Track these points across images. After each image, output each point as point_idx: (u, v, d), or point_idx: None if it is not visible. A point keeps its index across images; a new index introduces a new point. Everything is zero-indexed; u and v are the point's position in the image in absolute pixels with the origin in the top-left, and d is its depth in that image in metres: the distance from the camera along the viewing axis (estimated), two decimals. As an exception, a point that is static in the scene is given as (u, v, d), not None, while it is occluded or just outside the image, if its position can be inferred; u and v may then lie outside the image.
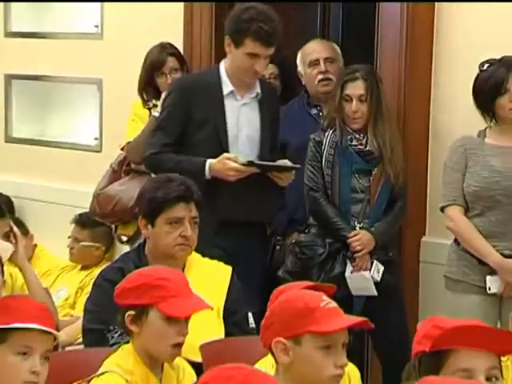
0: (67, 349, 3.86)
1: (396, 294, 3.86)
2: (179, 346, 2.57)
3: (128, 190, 4.32)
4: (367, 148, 3.81)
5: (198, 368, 2.71)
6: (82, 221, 4.67)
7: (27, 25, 5.36)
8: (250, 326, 3.20)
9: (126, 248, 4.25)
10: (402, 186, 3.84)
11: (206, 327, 3.01)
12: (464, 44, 3.93)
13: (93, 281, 3.29)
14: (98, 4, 4.97)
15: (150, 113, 4.34)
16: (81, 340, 3.36)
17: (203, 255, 3.25)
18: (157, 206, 3.16)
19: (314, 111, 4.15)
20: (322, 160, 3.82)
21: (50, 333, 2.25)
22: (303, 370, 2.25)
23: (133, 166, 4.41)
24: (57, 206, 5.07)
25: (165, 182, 3.22)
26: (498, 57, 3.58)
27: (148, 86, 4.36)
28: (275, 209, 3.90)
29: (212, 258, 3.28)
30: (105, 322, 2.98)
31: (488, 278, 3.55)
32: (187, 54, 4.53)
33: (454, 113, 3.96)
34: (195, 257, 3.24)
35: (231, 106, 3.77)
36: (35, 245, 4.85)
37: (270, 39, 3.66)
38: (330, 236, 3.78)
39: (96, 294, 3.14)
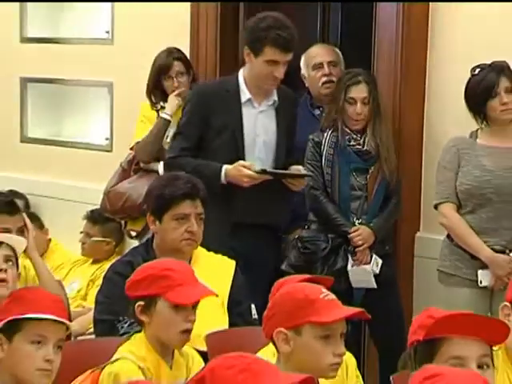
0: (79, 338, 3.86)
1: (393, 285, 3.88)
2: (188, 332, 2.58)
3: (137, 187, 4.32)
4: (365, 148, 3.82)
5: (203, 357, 2.71)
6: (94, 217, 4.67)
7: (42, 31, 5.36)
8: (253, 316, 3.20)
9: (135, 243, 4.24)
10: (397, 182, 3.86)
11: (211, 318, 3.01)
12: (456, 49, 3.92)
13: (103, 274, 3.29)
14: (109, 11, 4.97)
15: (158, 114, 4.35)
16: (92, 330, 3.37)
17: (208, 250, 3.25)
18: (164, 202, 3.16)
19: (317, 112, 4.16)
20: (321, 159, 3.82)
21: (63, 323, 2.25)
22: (303, 359, 2.25)
23: (141, 164, 4.41)
24: (69, 203, 5.07)
25: (172, 180, 3.22)
26: (489, 61, 3.58)
27: (156, 89, 4.36)
28: (287, 212, 3.87)
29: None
30: (115, 313, 2.98)
31: (479, 271, 3.55)
32: (193, 58, 4.53)
33: (447, 114, 3.95)
34: (201, 251, 3.24)
35: (249, 114, 3.73)
36: (49, 239, 4.86)
37: (288, 45, 3.63)
38: (331, 232, 3.79)
39: (106, 286, 3.14)
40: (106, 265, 3.88)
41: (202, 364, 2.63)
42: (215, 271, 3.15)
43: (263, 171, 3.62)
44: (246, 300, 3.21)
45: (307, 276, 2.68)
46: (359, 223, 3.80)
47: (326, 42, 4.61)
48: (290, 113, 3.85)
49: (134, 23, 4.87)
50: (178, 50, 4.38)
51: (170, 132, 4.36)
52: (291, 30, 3.64)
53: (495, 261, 3.52)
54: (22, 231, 3.38)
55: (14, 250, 2.95)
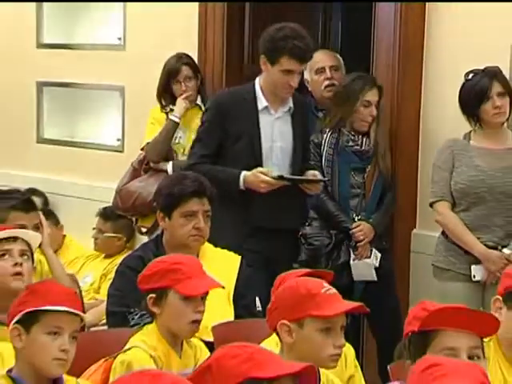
0: (92, 329, 3.87)
1: (391, 278, 3.90)
2: (197, 322, 2.59)
3: (147, 186, 4.32)
4: (363, 148, 3.84)
5: (210, 347, 2.72)
6: (106, 214, 4.67)
7: (57, 37, 5.36)
8: (257, 309, 3.20)
9: (145, 238, 4.25)
10: (391, 179, 3.89)
11: (218, 310, 3.01)
12: (451, 54, 3.92)
13: (115, 268, 3.29)
14: (121, 18, 4.98)
15: (167, 116, 4.36)
16: (105, 321, 3.38)
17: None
18: (173, 200, 3.16)
19: (320, 115, 4.16)
20: (321, 160, 3.83)
21: (78, 315, 2.26)
22: (305, 350, 2.26)
23: (151, 164, 4.41)
24: (83, 201, 5.07)
25: (180, 179, 3.23)
26: (482, 67, 3.58)
27: (165, 93, 4.38)
28: (303, 215, 3.83)
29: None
30: (126, 305, 2.98)
31: (473, 267, 3.55)
32: (201, 61, 4.53)
33: (442, 117, 3.95)
34: (208, 246, 3.24)
35: (265, 120, 3.68)
36: (64, 235, 4.86)
37: (304, 56, 3.59)
38: (332, 228, 3.81)
39: (118, 279, 3.15)
40: (118, 259, 3.88)
41: (209, 354, 2.64)
42: (221, 265, 3.15)
43: (280, 177, 3.58)
44: (251, 293, 3.22)
45: (308, 270, 2.69)
46: (359, 219, 3.83)
47: (327, 44, 4.62)
48: (305, 119, 3.81)
49: (145, 30, 4.87)
50: (187, 56, 4.40)
51: (179, 133, 4.38)
52: (307, 41, 3.60)
53: (488, 256, 3.52)
54: (37, 228, 3.39)
55: (29, 244, 2.96)
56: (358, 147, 3.85)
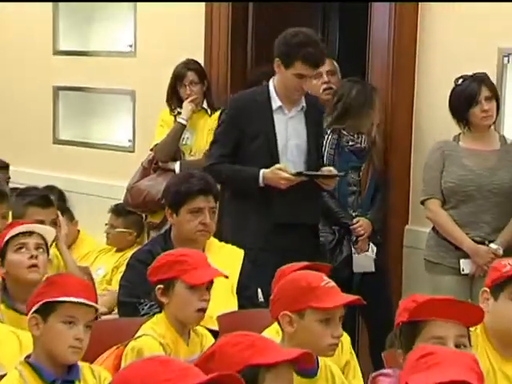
0: (103, 318, 3.86)
1: (385, 271, 3.91)
2: (203, 310, 2.59)
3: (156, 184, 4.33)
4: (362, 145, 3.86)
5: (215, 335, 2.72)
6: (118, 210, 4.67)
7: (72, 44, 5.36)
8: (259, 300, 3.20)
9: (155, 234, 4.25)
10: (385, 177, 3.92)
11: (222, 301, 3.01)
12: (442, 60, 3.92)
13: (126, 261, 3.29)
14: (132, 27, 4.98)
15: (175, 119, 4.37)
16: (116, 310, 3.38)
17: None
18: (180, 197, 3.16)
19: None
20: (322, 159, 3.83)
21: (92, 306, 2.26)
22: (305, 339, 2.25)
23: (160, 164, 4.42)
24: (96, 198, 5.08)
25: (187, 178, 3.22)
26: (470, 72, 3.58)
27: (173, 96, 4.39)
28: (319, 209, 3.77)
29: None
30: (136, 296, 2.98)
31: (462, 260, 3.55)
32: (207, 64, 4.52)
33: (434, 119, 3.95)
34: (213, 241, 3.24)
35: (280, 120, 3.64)
36: (79, 230, 4.86)
37: (317, 62, 3.56)
38: (334, 224, 3.81)
39: (129, 272, 3.15)
40: (129, 253, 3.88)
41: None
42: (226, 259, 3.15)
43: (299, 173, 3.54)
44: (253, 285, 3.22)
45: (306, 263, 2.68)
46: (356, 215, 3.84)
47: (326, 42, 4.62)
48: (318, 118, 3.77)
49: (154, 38, 4.88)
50: (195, 62, 4.41)
51: (186, 135, 4.39)
52: (321, 47, 3.57)
53: (476, 251, 3.52)
54: (54, 223, 3.39)
55: (44, 238, 2.96)
56: (359, 145, 3.86)
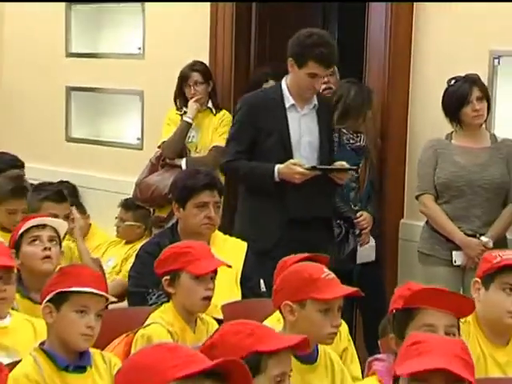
0: (112, 306, 3.84)
1: (382, 261, 3.93)
2: (208, 298, 2.60)
3: (163, 180, 4.32)
4: (361, 143, 3.86)
5: (220, 324, 2.72)
6: (127, 204, 4.66)
7: (84, 47, 5.36)
8: (262, 290, 3.21)
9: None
10: (381, 173, 3.93)
11: (226, 291, 3.02)
12: (436, 61, 3.91)
13: (135, 253, 3.30)
14: (141, 30, 4.97)
15: (182, 118, 4.37)
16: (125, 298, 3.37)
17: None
18: (187, 192, 3.16)
19: None
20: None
21: (103, 296, 2.26)
22: (305, 328, 2.25)
23: (167, 160, 4.42)
24: (106, 193, 5.08)
25: (193, 174, 3.23)
26: (463, 73, 3.58)
27: (179, 96, 4.39)
28: (333, 203, 3.76)
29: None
30: (145, 286, 2.99)
31: (454, 252, 3.55)
32: (212, 64, 4.51)
33: (427, 118, 3.95)
34: (218, 234, 3.24)
35: (293, 117, 3.61)
36: (90, 224, 4.86)
37: (330, 62, 3.55)
38: (337, 218, 3.80)
39: (138, 263, 3.15)
40: (137, 245, 3.88)
41: (219, 329, 2.64)
42: (230, 251, 3.15)
43: (313, 168, 3.51)
44: (256, 276, 3.22)
45: (306, 255, 2.68)
46: (357, 209, 3.84)
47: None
48: (329, 116, 3.74)
49: (162, 41, 4.88)
50: (200, 63, 4.41)
51: (192, 133, 4.39)
52: (333, 48, 3.55)
53: (467, 244, 3.51)
54: (68, 217, 3.40)
55: (57, 231, 2.97)
56: (358, 144, 3.86)
